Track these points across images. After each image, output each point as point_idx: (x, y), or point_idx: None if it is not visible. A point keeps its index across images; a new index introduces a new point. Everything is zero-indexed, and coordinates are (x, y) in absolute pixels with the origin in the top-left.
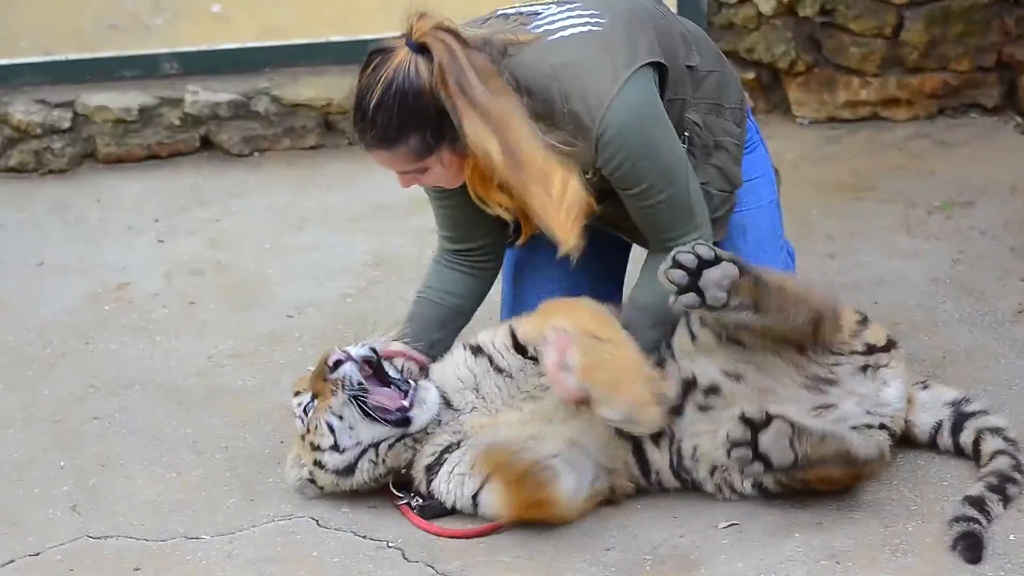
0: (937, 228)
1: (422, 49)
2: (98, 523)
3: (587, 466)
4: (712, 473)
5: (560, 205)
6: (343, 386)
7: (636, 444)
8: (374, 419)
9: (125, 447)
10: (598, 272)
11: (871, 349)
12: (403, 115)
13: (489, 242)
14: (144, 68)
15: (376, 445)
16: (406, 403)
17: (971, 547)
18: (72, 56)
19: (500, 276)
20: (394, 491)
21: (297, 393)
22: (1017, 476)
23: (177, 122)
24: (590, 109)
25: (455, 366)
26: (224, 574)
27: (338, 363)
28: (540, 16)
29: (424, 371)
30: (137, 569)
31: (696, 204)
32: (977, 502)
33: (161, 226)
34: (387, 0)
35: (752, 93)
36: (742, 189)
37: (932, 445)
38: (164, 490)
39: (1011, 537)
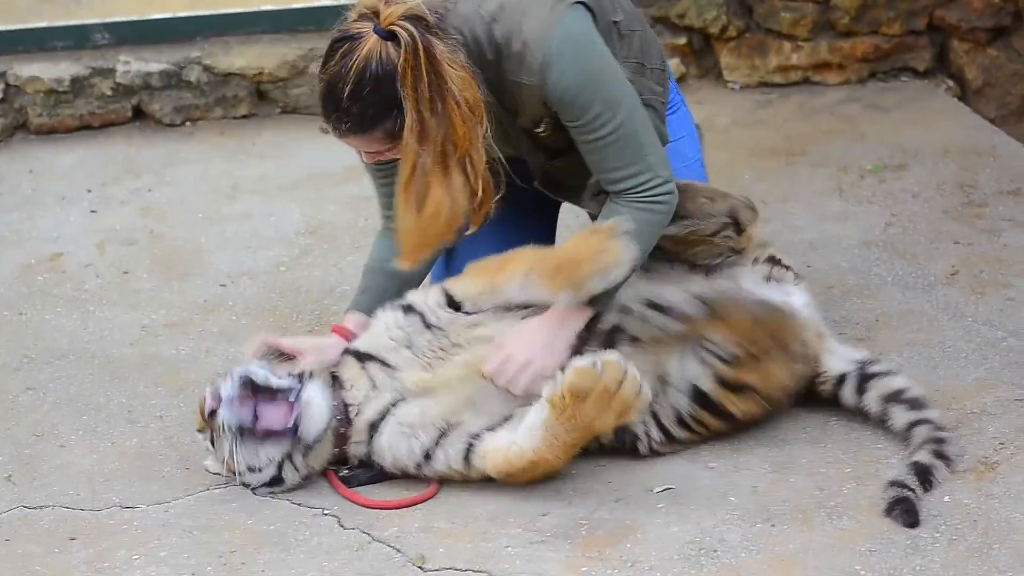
0: (869, 192)
1: (390, 35)
2: (33, 493)
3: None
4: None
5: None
6: (224, 432)
7: None
8: (273, 437)
9: (60, 417)
10: (528, 234)
11: (774, 260)
12: (378, 102)
13: None
14: (75, 38)
15: (289, 455)
16: (292, 419)
17: (907, 511)
18: (2, 27)
19: None
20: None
21: (200, 431)
22: (943, 435)
23: (109, 92)
24: (531, 44)
25: (386, 327)
26: (160, 543)
27: (213, 412)
28: None
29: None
30: (73, 539)
31: (647, 141)
32: (923, 470)
33: (94, 196)
34: None
35: (684, 59)
36: (668, 150)
37: (833, 398)
38: (99, 460)
39: (946, 499)
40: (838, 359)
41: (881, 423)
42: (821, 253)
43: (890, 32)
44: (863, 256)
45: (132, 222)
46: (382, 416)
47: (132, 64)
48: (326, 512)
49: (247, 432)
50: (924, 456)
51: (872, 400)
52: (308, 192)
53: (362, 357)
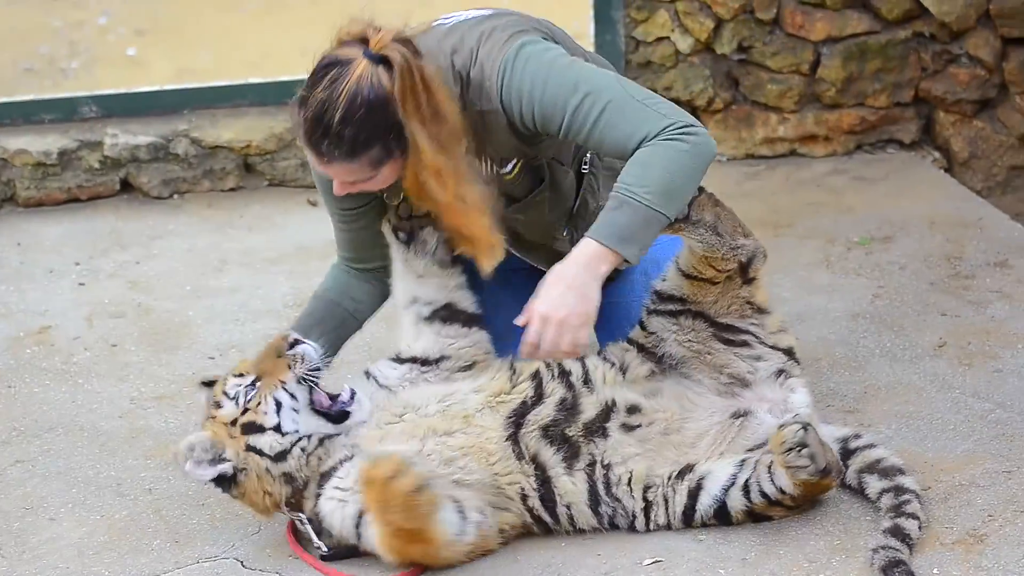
0: (857, 264)
1: (382, 59)
2: (23, 566)
3: (471, 501)
4: (646, 495)
5: (477, 210)
6: (301, 362)
7: (541, 472)
8: (315, 410)
9: (49, 490)
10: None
11: (791, 353)
12: (370, 126)
13: (388, 264)
14: (63, 111)
15: (309, 437)
16: (345, 399)
17: (908, 572)
18: None
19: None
20: (298, 523)
21: (240, 375)
22: (907, 497)
23: (97, 165)
24: (487, 66)
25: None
26: None
27: (296, 342)
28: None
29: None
30: None
31: (648, 100)
32: (895, 531)
33: (82, 269)
34: (303, 42)
35: None
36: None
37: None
38: (89, 533)
39: (935, 571)
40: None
41: (861, 494)
42: (809, 325)
43: (876, 104)
44: (851, 328)
45: (120, 295)
46: (331, 471)
47: (120, 137)
48: None
49: (311, 380)
50: (888, 522)
51: (850, 474)
52: (295, 264)
53: None
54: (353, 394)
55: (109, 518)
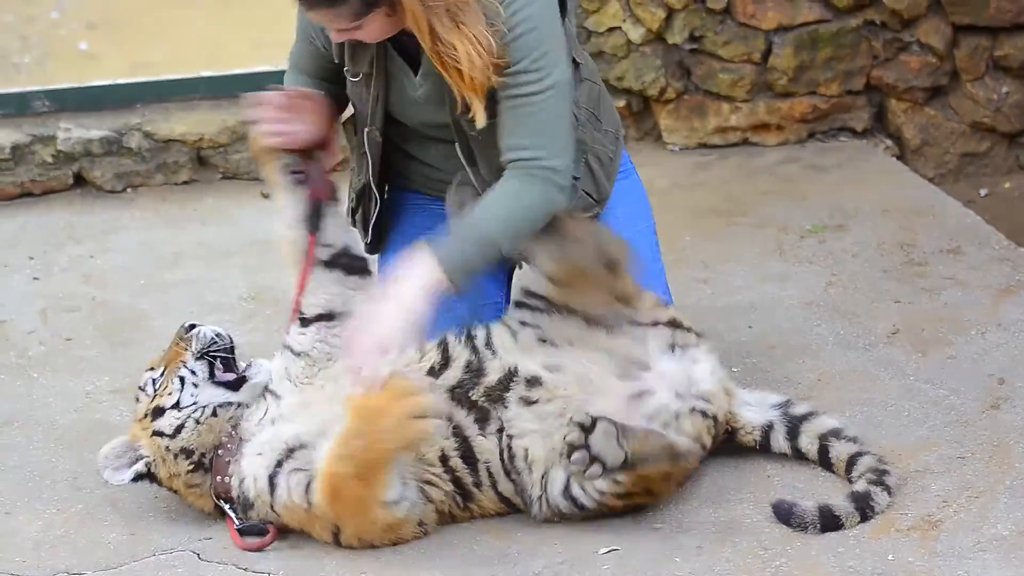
0: (810, 252)
1: None
2: None
3: (404, 470)
4: (543, 479)
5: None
6: (197, 341)
7: (458, 432)
8: (215, 382)
9: (5, 484)
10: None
11: (675, 324)
12: None
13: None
14: (15, 106)
15: (204, 407)
16: (244, 368)
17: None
18: None
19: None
20: (223, 507)
21: (150, 369)
22: (885, 467)
23: (50, 159)
24: None
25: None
26: None
27: (192, 326)
28: None
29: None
30: None
31: (562, 125)
32: (862, 497)
33: (36, 263)
34: (257, 36)
35: (623, 121)
36: (620, 217)
37: (765, 447)
38: (45, 526)
39: (890, 557)
40: (757, 410)
41: (821, 461)
42: (762, 314)
43: (828, 92)
44: (804, 316)
45: (75, 289)
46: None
47: (73, 131)
48: None
49: (210, 355)
50: (862, 485)
51: (807, 441)
52: (250, 258)
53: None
54: (251, 363)
55: (65, 512)
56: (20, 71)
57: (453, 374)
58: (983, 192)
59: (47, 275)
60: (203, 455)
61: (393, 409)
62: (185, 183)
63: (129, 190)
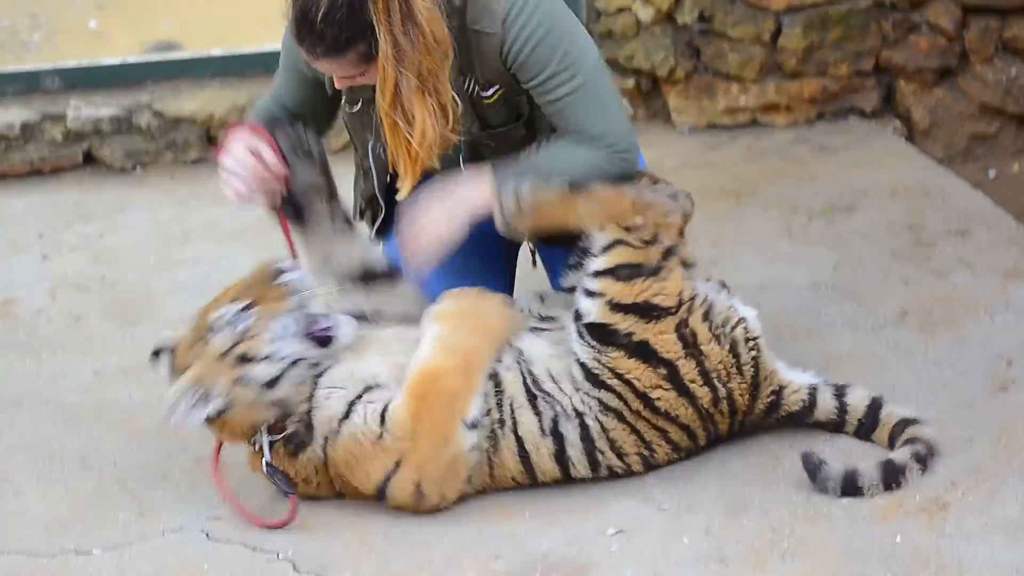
0: (819, 233)
1: None
2: None
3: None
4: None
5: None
6: (298, 294)
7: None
8: (304, 335)
9: (14, 463)
10: (487, 276)
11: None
12: (351, 25)
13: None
14: (25, 84)
15: (296, 362)
16: (332, 325)
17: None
18: None
19: None
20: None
21: (234, 299)
22: (933, 445)
23: (60, 137)
24: None
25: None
26: None
27: (282, 270)
28: None
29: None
30: None
31: (610, 105)
32: (896, 469)
33: (45, 242)
34: (265, 14)
35: (632, 101)
36: None
37: (810, 408)
38: (54, 505)
39: (898, 538)
40: (795, 374)
41: (868, 418)
42: (771, 295)
43: (837, 73)
44: (813, 298)
45: (84, 268)
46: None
47: (83, 109)
48: (281, 556)
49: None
50: (903, 455)
51: (858, 397)
52: (258, 237)
53: None
54: (340, 322)
55: (74, 491)
56: (30, 49)
57: None
58: (992, 174)
59: (56, 254)
60: (292, 407)
61: (484, 303)
62: (194, 162)
63: (138, 169)
